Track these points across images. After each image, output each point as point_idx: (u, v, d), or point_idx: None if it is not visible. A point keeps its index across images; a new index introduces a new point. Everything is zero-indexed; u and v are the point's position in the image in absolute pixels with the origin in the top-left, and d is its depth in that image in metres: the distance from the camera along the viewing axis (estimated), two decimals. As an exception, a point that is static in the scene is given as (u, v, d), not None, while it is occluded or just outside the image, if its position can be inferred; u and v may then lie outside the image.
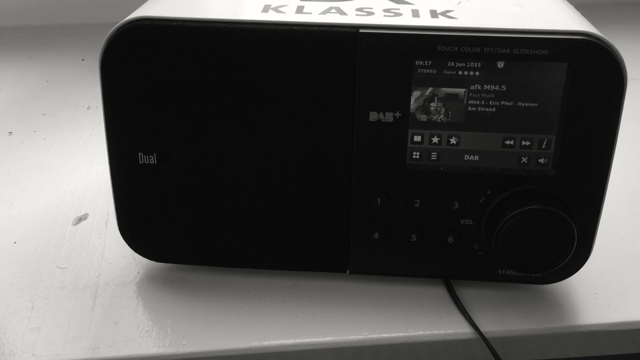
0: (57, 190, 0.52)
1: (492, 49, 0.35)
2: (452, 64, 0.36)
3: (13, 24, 0.80)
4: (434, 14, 0.38)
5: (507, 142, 0.37)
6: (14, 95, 0.66)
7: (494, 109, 0.37)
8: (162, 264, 0.44)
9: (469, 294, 0.42)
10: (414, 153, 0.38)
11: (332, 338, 0.39)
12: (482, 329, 0.39)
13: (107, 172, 0.40)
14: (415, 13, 0.38)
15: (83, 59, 0.72)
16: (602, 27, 0.78)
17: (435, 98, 0.37)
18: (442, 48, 0.36)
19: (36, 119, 0.62)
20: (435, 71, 0.36)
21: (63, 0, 0.78)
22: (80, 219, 0.48)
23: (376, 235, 0.40)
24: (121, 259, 0.45)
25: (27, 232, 0.47)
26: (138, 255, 0.43)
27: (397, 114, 0.37)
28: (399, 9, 0.39)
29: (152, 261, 0.43)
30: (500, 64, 0.36)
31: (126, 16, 0.37)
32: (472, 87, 0.36)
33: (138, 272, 0.44)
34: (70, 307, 0.41)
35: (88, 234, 0.47)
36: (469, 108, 0.37)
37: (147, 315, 0.40)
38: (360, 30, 0.36)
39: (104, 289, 0.42)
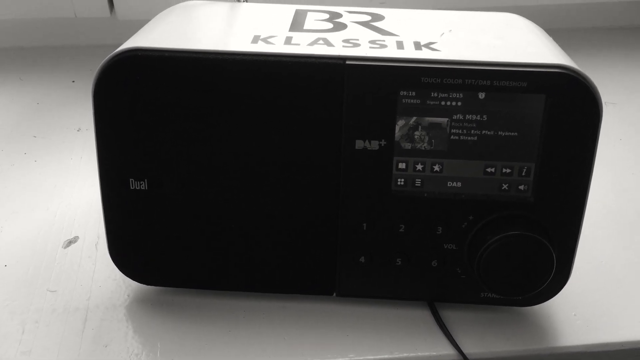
0: (48, 212, 0.52)
1: (473, 80, 0.37)
2: (436, 94, 0.37)
3: (3, 45, 0.80)
4: (417, 45, 0.39)
5: (489, 170, 0.39)
6: (4, 117, 0.66)
7: (476, 138, 0.38)
8: (152, 287, 0.44)
9: (452, 316, 0.43)
10: (399, 180, 0.39)
11: (319, 360, 0.40)
12: (465, 350, 0.40)
13: (98, 195, 0.41)
14: (400, 45, 0.39)
15: (73, 81, 0.73)
16: (582, 52, 0.80)
17: (419, 127, 0.38)
18: (426, 79, 0.37)
19: (27, 141, 0.62)
20: (419, 101, 0.37)
21: (54, 21, 0.79)
22: (70, 242, 0.49)
23: (362, 259, 0.41)
24: (111, 282, 0.45)
25: (18, 255, 0.48)
26: (128, 278, 0.43)
27: (383, 142, 0.38)
28: (384, 41, 0.40)
29: (141, 284, 0.44)
30: (481, 95, 0.37)
31: (116, 38, 0.38)
32: (454, 117, 0.38)
33: (128, 295, 0.44)
34: (61, 330, 0.41)
35: (78, 257, 0.48)
36: (452, 137, 0.38)
37: (136, 338, 0.41)
38: (347, 62, 0.37)
39: (94, 312, 0.43)
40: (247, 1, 0.49)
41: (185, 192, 0.40)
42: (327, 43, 0.39)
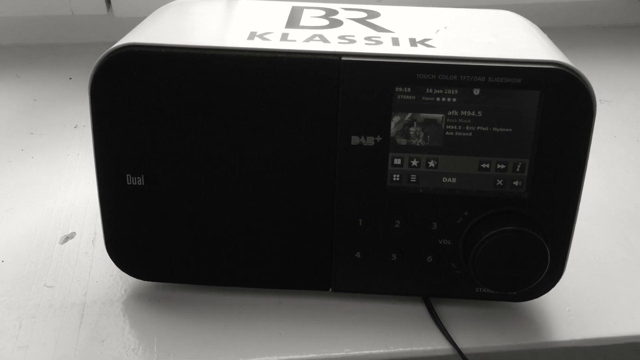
0: (45, 209, 0.52)
1: (468, 77, 0.37)
2: (431, 90, 0.37)
3: (1, 42, 0.80)
4: (413, 42, 0.39)
5: (483, 166, 0.39)
6: (1, 114, 0.66)
7: (471, 134, 0.38)
8: (149, 282, 0.45)
9: (447, 311, 0.43)
10: (394, 175, 0.39)
11: (315, 354, 0.40)
12: (460, 345, 0.40)
13: (94, 191, 0.41)
14: (395, 41, 0.39)
15: (70, 78, 0.73)
16: (578, 50, 0.81)
17: (415, 123, 0.38)
18: (421, 76, 0.37)
19: (24, 137, 0.62)
20: (414, 97, 0.38)
21: (51, 19, 0.79)
22: (67, 238, 0.49)
23: (358, 255, 0.41)
24: (108, 278, 0.45)
25: (15, 250, 0.48)
26: (124, 273, 0.43)
27: (378, 138, 0.39)
28: (379, 37, 0.40)
29: (138, 280, 0.44)
30: (476, 91, 0.37)
31: (113, 35, 0.38)
32: (449, 113, 0.38)
33: (125, 291, 0.44)
34: (58, 325, 0.42)
35: (75, 252, 0.48)
36: (447, 132, 0.38)
37: (133, 334, 0.41)
38: (343, 58, 0.37)
39: (91, 307, 0.43)
40: (243, -2, 0.49)
41: (182, 188, 0.40)
42: (323, 39, 0.39)
